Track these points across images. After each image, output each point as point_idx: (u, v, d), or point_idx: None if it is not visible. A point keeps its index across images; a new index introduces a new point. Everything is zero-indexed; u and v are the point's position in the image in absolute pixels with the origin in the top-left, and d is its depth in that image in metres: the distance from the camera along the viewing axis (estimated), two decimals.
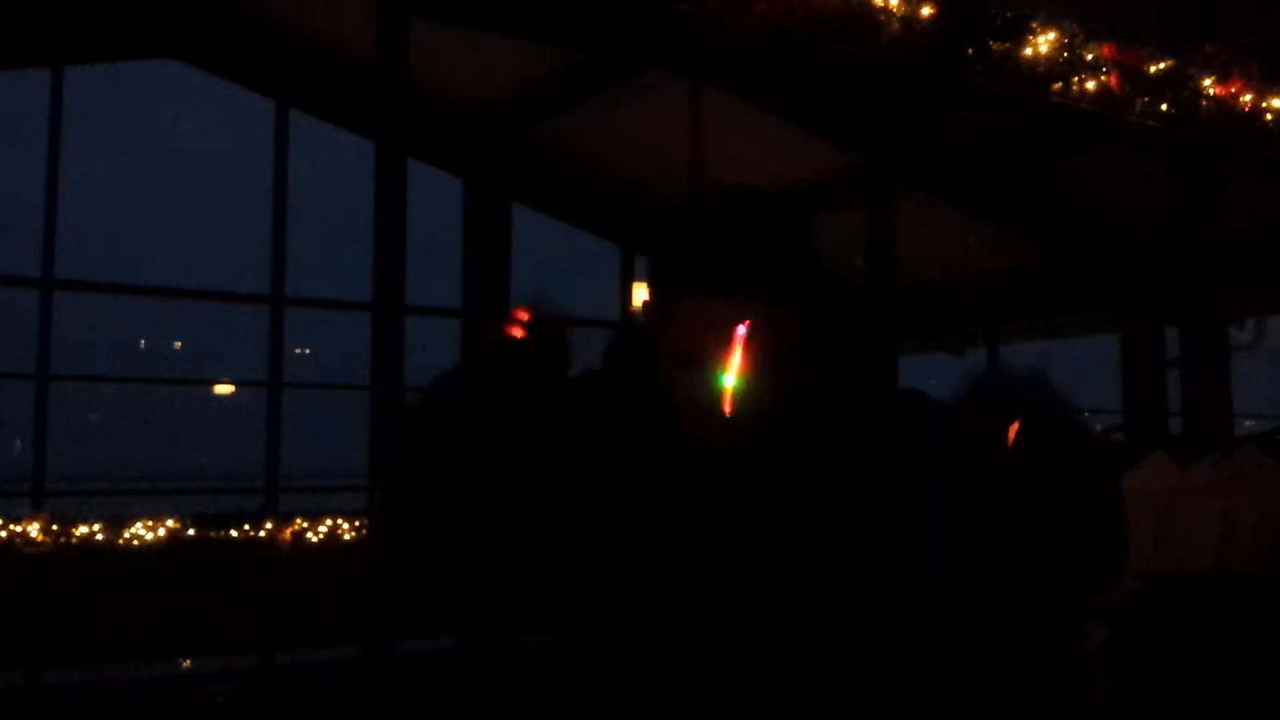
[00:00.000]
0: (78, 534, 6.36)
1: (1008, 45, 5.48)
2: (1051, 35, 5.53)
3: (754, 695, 1.21)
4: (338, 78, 7.63)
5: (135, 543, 6.47)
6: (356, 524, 6.88)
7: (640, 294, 9.50)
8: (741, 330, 1.16)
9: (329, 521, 6.96)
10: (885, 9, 5.11)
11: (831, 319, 1.26)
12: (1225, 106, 6.10)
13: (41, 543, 6.23)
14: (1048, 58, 5.55)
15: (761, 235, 1.23)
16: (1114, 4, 6.14)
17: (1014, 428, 1.17)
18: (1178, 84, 5.95)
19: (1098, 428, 8.82)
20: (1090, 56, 5.70)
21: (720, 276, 1.20)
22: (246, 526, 6.82)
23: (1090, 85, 5.69)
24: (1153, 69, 5.89)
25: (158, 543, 6.51)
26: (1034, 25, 5.53)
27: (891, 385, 1.39)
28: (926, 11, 5.18)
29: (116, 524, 6.51)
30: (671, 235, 1.28)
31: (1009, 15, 5.51)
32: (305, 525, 6.89)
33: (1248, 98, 6.17)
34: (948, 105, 6.25)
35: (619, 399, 1.31)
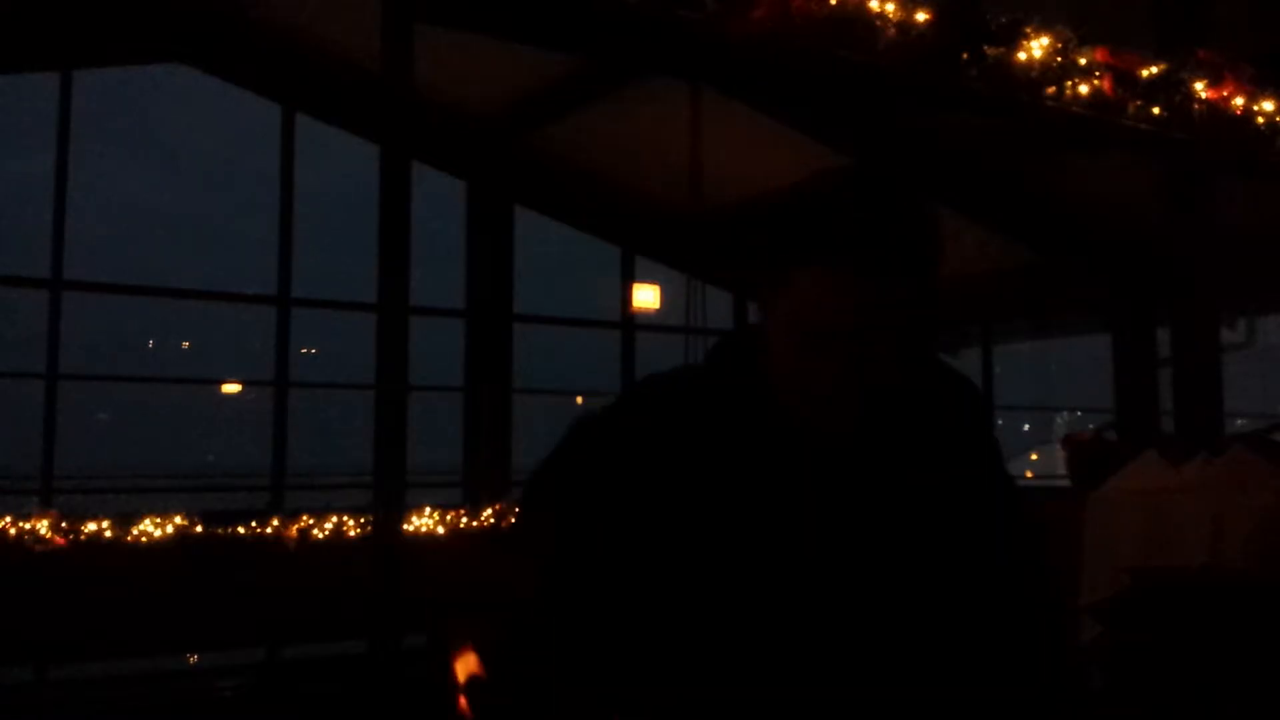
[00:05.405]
0: (86, 531, 6.42)
1: (1002, 50, 5.52)
2: (1045, 40, 5.58)
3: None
4: (343, 82, 7.70)
5: (143, 540, 6.53)
6: (362, 521, 6.94)
7: (641, 294, 9.56)
8: None
9: (334, 519, 7.03)
10: (881, 14, 5.15)
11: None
12: (1217, 110, 6.14)
13: (50, 540, 6.29)
14: (1041, 62, 5.60)
15: (901, 207, 1.14)
16: (1107, 9, 6.18)
17: None
18: (1170, 88, 5.99)
19: (1090, 427, 8.89)
20: (1083, 61, 5.75)
21: (855, 242, 1.10)
22: (253, 523, 6.88)
23: (1083, 89, 5.73)
24: (1145, 73, 5.94)
25: (165, 539, 6.56)
26: (1028, 30, 5.57)
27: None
28: (922, 17, 5.22)
29: (125, 521, 6.57)
30: (791, 203, 1.18)
31: (1003, 20, 5.55)
32: (311, 522, 6.96)
33: (1239, 101, 6.21)
34: (943, 109, 6.31)
35: (726, 401, 1.21)
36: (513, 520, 1.28)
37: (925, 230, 1.14)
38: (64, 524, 6.39)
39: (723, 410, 1.20)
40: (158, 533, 6.54)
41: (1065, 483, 5.82)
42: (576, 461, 1.27)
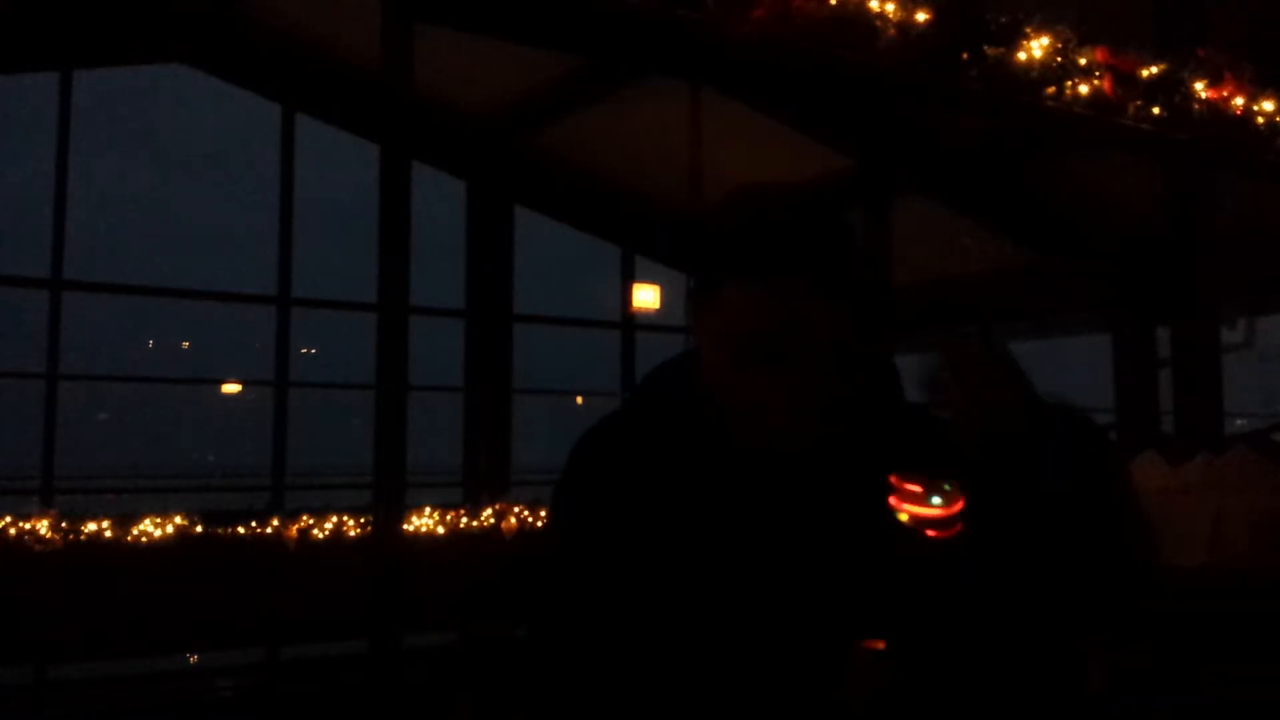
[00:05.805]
0: (86, 531, 6.43)
1: (1002, 50, 5.53)
2: (1045, 40, 5.59)
3: None
4: (343, 82, 7.71)
5: (143, 540, 6.53)
6: (362, 521, 6.95)
7: (641, 294, 9.57)
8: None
9: (334, 518, 7.04)
10: (881, 14, 5.17)
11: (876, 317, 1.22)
12: (1217, 110, 6.16)
13: (51, 540, 6.30)
14: (1041, 62, 5.61)
15: (811, 218, 1.17)
16: (1108, 9, 6.19)
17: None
18: (1170, 88, 6.01)
19: None
20: (1084, 61, 5.76)
21: (773, 254, 1.14)
22: (253, 523, 6.89)
23: (1084, 89, 5.74)
24: (1145, 73, 5.95)
25: (165, 540, 6.57)
26: (1028, 30, 5.58)
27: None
28: (922, 17, 5.24)
29: (125, 521, 6.57)
30: (715, 221, 1.21)
31: (1003, 20, 5.56)
32: (311, 522, 6.96)
33: (1239, 101, 6.22)
34: (943, 109, 6.32)
35: (672, 429, 1.22)
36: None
37: (847, 251, 1.17)
38: (64, 524, 6.40)
39: (671, 439, 1.22)
40: (158, 533, 6.55)
41: None
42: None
